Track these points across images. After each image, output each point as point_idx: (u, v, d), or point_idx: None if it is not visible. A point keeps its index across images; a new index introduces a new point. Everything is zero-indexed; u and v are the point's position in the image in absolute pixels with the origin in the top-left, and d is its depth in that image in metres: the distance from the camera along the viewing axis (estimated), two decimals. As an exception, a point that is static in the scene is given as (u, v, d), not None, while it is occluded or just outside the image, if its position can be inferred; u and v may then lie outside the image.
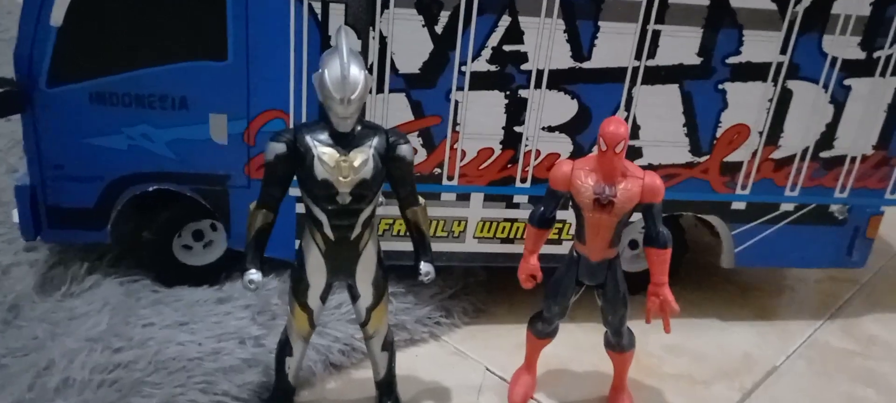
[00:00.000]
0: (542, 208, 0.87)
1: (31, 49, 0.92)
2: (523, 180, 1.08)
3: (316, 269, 0.86)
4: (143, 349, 0.95)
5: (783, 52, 1.03)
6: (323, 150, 0.79)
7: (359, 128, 0.80)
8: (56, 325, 0.99)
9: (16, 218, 1.11)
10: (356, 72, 0.76)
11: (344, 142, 0.80)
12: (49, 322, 1.00)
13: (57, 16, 0.91)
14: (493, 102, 1.00)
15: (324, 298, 0.88)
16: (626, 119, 1.05)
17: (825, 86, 1.08)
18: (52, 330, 0.98)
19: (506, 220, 1.11)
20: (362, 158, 0.80)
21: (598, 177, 0.68)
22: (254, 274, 0.83)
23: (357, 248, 0.85)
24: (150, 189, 1.02)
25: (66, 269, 1.10)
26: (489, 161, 1.05)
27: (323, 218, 0.82)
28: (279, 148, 0.80)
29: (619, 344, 0.96)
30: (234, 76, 0.96)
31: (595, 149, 0.75)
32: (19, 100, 0.94)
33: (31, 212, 1.03)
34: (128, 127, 0.98)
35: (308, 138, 0.80)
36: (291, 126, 0.99)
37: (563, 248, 1.14)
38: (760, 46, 1.02)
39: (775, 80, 1.05)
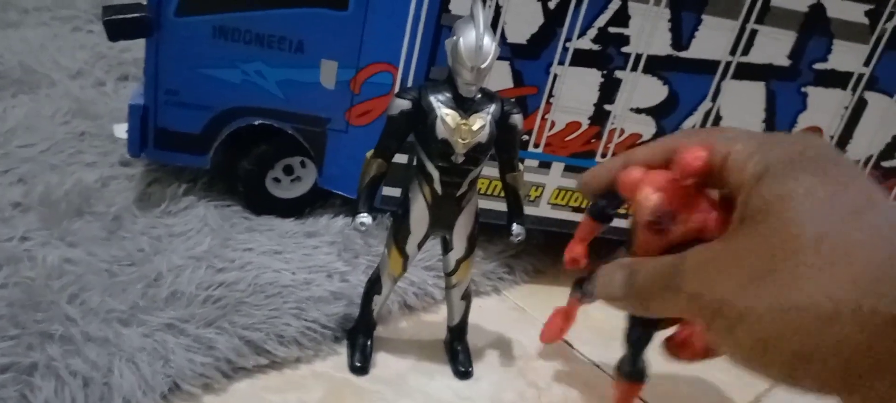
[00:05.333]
0: (604, 202, 0.81)
1: (167, -23, 0.96)
2: (604, 155, 1.13)
3: (419, 219, 0.91)
4: (243, 271, 1.01)
5: (866, 64, 1.08)
6: (446, 112, 0.84)
7: (479, 94, 0.85)
8: (158, 240, 1.06)
9: (117, 132, 1.17)
10: (489, 43, 0.81)
11: (465, 105, 0.84)
12: (151, 236, 1.06)
13: (195, -52, 0.94)
14: (590, 80, 1.05)
15: (420, 246, 0.94)
16: (711, 110, 1.09)
17: (899, 101, 1.12)
18: (155, 244, 1.04)
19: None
20: (481, 123, 0.85)
21: (665, 199, 0.63)
22: (365, 218, 0.88)
23: (460, 204, 0.91)
24: (256, 123, 1.08)
25: (162, 188, 1.16)
26: (575, 134, 1.10)
27: (435, 174, 0.87)
28: (404, 104, 0.85)
29: (635, 372, 0.94)
30: (350, 26, 1.00)
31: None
32: (149, 25, 0.99)
33: (140, 131, 1.08)
34: (244, 63, 1.03)
35: (432, 98, 0.84)
36: (397, 81, 1.04)
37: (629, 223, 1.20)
38: (846, 56, 1.07)
39: (854, 90, 1.10)
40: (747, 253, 0.42)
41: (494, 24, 1.00)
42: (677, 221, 0.62)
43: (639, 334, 0.96)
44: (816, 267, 0.39)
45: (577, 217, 1.19)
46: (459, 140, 0.84)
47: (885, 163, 1.18)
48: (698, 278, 0.44)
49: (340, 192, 1.17)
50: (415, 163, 0.90)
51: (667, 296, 0.46)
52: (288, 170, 1.17)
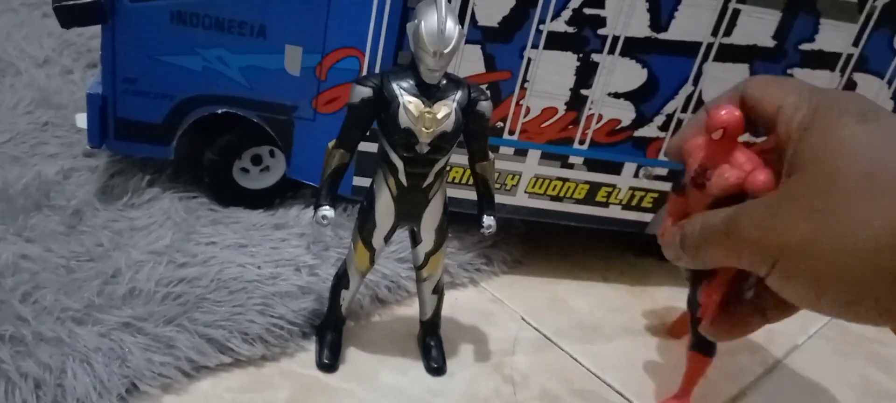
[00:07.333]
0: (682, 177, 0.86)
1: (118, -39, 0.92)
2: (581, 142, 1.09)
3: (385, 212, 0.88)
4: (206, 266, 0.98)
5: (855, 44, 1.04)
6: (408, 99, 0.80)
7: (444, 80, 0.81)
8: (119, 235, 1.02)
9: (79, 123, 1.13)
10: (452, 27, 0.77)
11: (429, 92, 0.81)
12: (112, 231, 1.03)
13: (147, -70, 0.90)
14: (565, 63, 1.01)
15: (387, 239, 0.91)
16: (693, 93, 1.05)
17: (889, 82, 1.08)
18: (115, 239, 1.01)
19: (558, 179, 1.13)
20: (445, 111, 0.81)
21: (704, 157, 0.67)
22: (327, 211, 0.84)
23: (427, 196, 0.87)
24: (219, 111, 1.04)
25: (126, 180, 1.12)
26: (551, 120, 1.07)
27: (399, 164, 0.84)
28: (365, 92, 0.81)
29: (704, 343, 0.95)
30: (315, 10, 0.96)
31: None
32: (102, 10, 0.95)
33: (100, 121, 1.04)
34: (204, 49, 0.99)
35: (394, 85, 0.81)
36: (364, 66, 1.00)
37: (610, 212, 1.17)
38: (834, 36, 1.03)
39: (843, 71, 1.06)
40: (802, 196, 0.45)
41: (464, 6, 0.95)
42: (713, 175, 0.67)
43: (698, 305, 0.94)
44: (868, 203, 0.42)
45: (556, 206, 1.16)
46: (423, 129, 0.80)
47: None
48: (756, 224, 0.46)
49: (310, 182, 1.13)
50: (379, 153, 0.86)
51: (726, 245, 0.49)
52: (256, 160, 1.13)
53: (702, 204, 0.73)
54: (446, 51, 0.77)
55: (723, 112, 0.59)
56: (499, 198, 1.14)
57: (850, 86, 1.08)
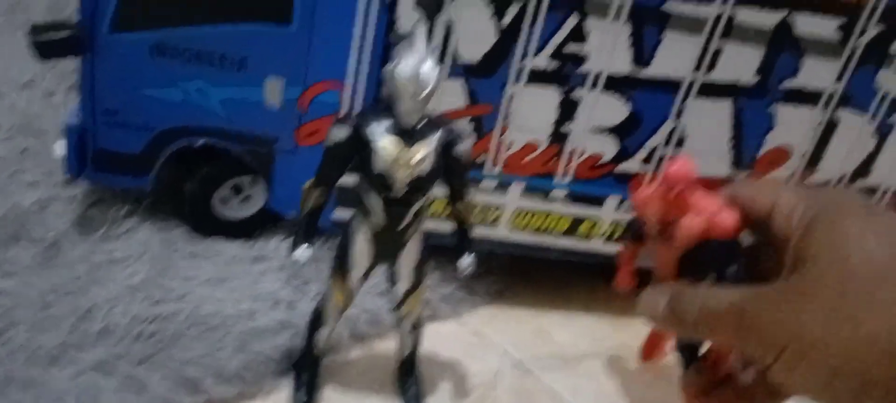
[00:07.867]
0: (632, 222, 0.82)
1: (99, -7, 0.91)
2: (564, 176, 1.08)
3: (361, 252, 0.87)
4: (183, 302, 0.97)
5: (838, 80, 1.04)
6: (385, 142, 0.79)
7: (423, 121, 0.80)
8: (97, 268, 1.01)
9: (57, 151, 1.12)
10: (429, 70, 0.76)
11: (406, 134, 0.80)
12: (89, 263, 1.01)
13: (127, -38, 0.90)
14: (547, 99, 1.01)
15: (365, 278, 0.90)
16: (675, 129, 1.05)
17: (872, 119, 1.08)
18: (92, 272, 1.00)
19: (541, 212, 1.12)
20: (423, 154, 0.80)
21: (665, 211, 0.65)
22: (302, 253, 0.84)
23: (404, 237, 0.86)
24: (198, 143, 1.03)
25: (104, 210, 1.11)
26: (533, 154, 1.06)
27: (377, 205, 0.83)
28: (342, 134, 0.80)
29: None
30: (296, 43, 0.95)
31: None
32: (79, 43, 0.94)
33: (78, 152, 1.03)
34: (184, 81, 0.98)
35: (372, 126, 0.80)
36: (346, 100, 0.99)
37: (592, 245, 1.16)
38: (817, 73, 1.02)
39: (826, 107, 1.06)
40: (814, 287, 0.44)
41: (446, 41, 0.95)
42: (678, 228, 0.64)
43: (686, 345, 0.91)
44: (887, 299, 0.41)
45: (539, 239, 1.15)
46: (400, 172, 0.80)
47: (859, 183, 1.13)
48: (767, 316, 0.46)
49: (291, 214, 1.12)
50: (357, 191, 0.85)
51: (730, 332, 0.48)
52: (237, 189, 1.12)
53: (670, 256, 0.70)
54: (424, 94, 0.76)
55: (672, 166, 0.57)
56: (481, 232, 1.13)
57: (833, 122, 1.08)
